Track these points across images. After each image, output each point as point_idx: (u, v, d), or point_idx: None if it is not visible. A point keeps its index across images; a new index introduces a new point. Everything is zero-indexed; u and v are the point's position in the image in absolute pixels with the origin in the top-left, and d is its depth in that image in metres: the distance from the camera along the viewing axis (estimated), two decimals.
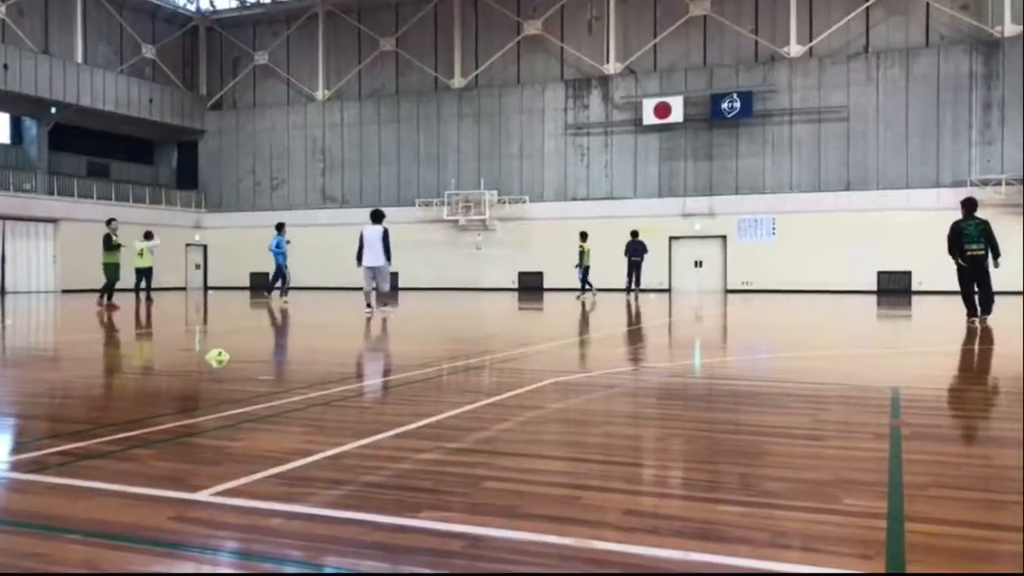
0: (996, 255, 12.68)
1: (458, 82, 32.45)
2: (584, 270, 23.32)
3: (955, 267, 12.71)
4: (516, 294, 27.99)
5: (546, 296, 26.06)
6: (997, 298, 13.17)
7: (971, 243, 12.61)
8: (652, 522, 2.73)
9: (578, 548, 2.44)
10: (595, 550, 2.42)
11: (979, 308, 12.55)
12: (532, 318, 16.08)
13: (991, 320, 12.36)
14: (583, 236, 23.82)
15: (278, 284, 20.56)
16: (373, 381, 6.23)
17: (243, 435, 4.17)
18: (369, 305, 14.56)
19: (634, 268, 23.94)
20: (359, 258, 14.48)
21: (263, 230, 34.54)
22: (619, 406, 5.28)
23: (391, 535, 2.58)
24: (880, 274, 27.00)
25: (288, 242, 20.69)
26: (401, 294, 27.86)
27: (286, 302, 19.34)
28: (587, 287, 23.41)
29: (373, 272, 14.43)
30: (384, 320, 13.29)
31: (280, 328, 13.09)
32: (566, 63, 31.25)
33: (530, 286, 30.88)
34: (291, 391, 5.62)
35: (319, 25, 34.55)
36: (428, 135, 33.00)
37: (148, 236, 21.38)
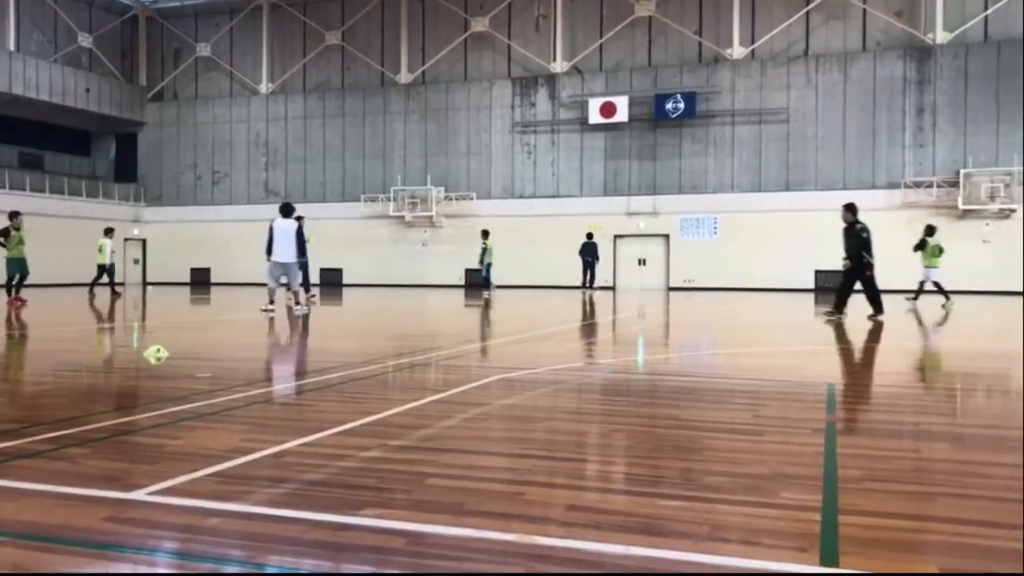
0: (869, 253, 13.11)
1: (405, 78, 32.26)
2: (487, 267, 24.32)
3: (855, 270, 13.05)
4: (463, 291, 27.94)
5: (493, 294, 26.04)
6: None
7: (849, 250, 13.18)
8: (595, 517, 2.75)
9: (521, 544, 2.45)
10: (538, 546, 2.44)
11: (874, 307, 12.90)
12: (478, 315, 16.08)
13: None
14: (484, 234, 24.83)
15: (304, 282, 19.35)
16: (317, 378, 6.16)
17: (182, 433, 4.09)
18: (272, 302, 13.74)
19: (588, 267, 25.63)
20: (268, 252, 13.77)
21: (205, 225, 34.04)
22: (564, 402, 5.31)
23: (333, 533, 2.55)
24: (817, 272, 27.62)
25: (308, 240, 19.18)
26: (346, 290, 27.61)
27: (310, 302, 18.12)
28: (487, 284, 24.26)
29: (283, 268, 13.84)
30: (300, 318, 12.90)
31: (222, 325, 12.86)
32: (513, 61, 31.29)
33: (477, 283, 30.84)
34: (232, 388, 5.53)
35: (263, 17, 34.01)
36: (374, 130, 32.74)
37: (107, 232, 21.46)
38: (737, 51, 28.45)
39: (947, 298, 17.59)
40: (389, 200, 31.90)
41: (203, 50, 35.09)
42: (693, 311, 17.14)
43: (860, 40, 27.68)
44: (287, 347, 9.33)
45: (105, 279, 21.49)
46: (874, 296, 12.96)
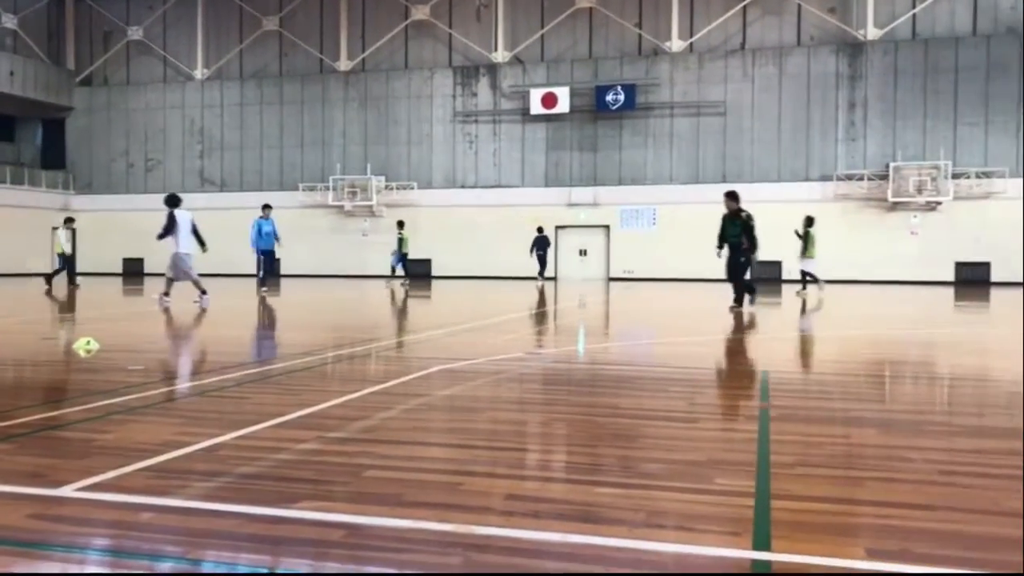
0: (753, 248, 13.23)
1: (344, 65, 31.85)
2: (402, 257, 24.56)
3: (744, 260, 13.15)
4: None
5: (434, 284, 25.98)
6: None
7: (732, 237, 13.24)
8: (534, 506, 2.77)
9: (460, 534, 2.45)
10: (477, 535, 2.44)
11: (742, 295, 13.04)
12: (420, 305, 16.01)
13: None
14: (400, 225, 25.07)
15: (260, 274, 18.81)
16: (253, 370, 6.06)
17: (112, 427, 3.99)
18: (167, 294, 13.29)
19: (540, 260, 26.73)
20: (167, 236, 13.32)
21: (137, 213, 33.12)
22: (504, 392, 5.32)
23: (269, 526, 2.52)
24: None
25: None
26: (283, 281, 27.22)
27: (266, 291, 17.81)
28: (405, 274, 24.54)
29: (190, 259, 13.49)
30: (203, 310, 12.49)
31: (155, 316, 12.56)
32: (454, 50, 31.14)
33: (418, 273, 30.71)
34: (166, 381, 5.41)
35: (198, 1, 33.19)
36: (313, 118, 32.28)
37: (67, 222, 21.17)
38: (676, 44, 28.78)
39: (804, 287, 19.50)
40: (328, 189, 31.50)
41: (135, 33, 34.10)
42: (632, 301, 17.34)
43: (795, 35, 28.24)
44: (223, 339, 9.16)
45: (60, 268, 21.12)
46: (741, 285, 13.06)
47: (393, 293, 19.49)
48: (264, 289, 18.04)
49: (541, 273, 26.79)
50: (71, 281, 20.83)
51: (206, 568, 2.24)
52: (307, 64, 32.53)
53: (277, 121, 32.64)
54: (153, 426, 4.04)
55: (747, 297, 13.05)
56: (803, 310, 14.11)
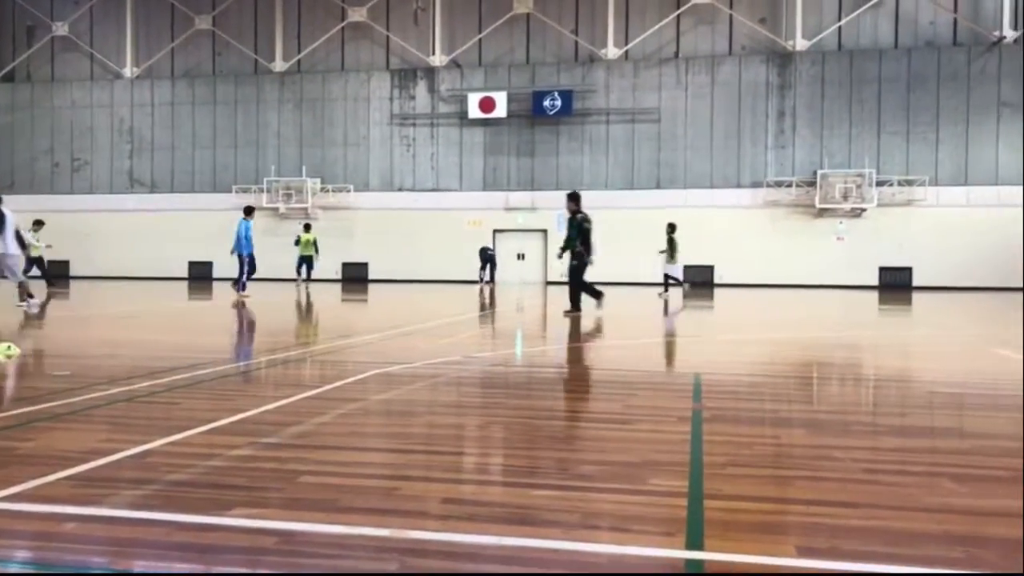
0: (588, 251, 13.19)
1: (279, 66, 31.38)
2: (305, 259, 24.71)
3: (576, 263, 13.12)
4: (340, 285, 27.47)
5: (371, 287, 25.77)
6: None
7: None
8: (470, 509, 2.77)
9: (396, 539, 2.44)
10: (412, 540, 2.43)
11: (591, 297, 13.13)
12: (356, 309, 15.86)
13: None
14: (306, 228, 25.43)
15: (244, 277, 18.42)
16: (184, 375, 5.92)
17: (34, 435, 3.85)
18: (30, 295, 12.54)
19: (488, 263, 27.94)
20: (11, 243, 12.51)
21: (63, 215, 32.05)
22: (441, 396, 5.31)
23: (200, 534, 2.47)
24: (686, 268, 28.61)
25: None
26: (216, 284, 26.67)
27: (247, 296, 17.50)
28: (305, 277, 24.67)
29: (16, 260, 12.84)
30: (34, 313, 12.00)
31: (81, 320, 12.18)
32: (392, 52, 30.96)
33: (354, 277, 30.43)
34: (91, 387, 5.25)
35: None
36: (247, 119, 31.71)
37: (36, 224, 21.07)
38: (612, 51, 29.11)
39: (667, 290, 20.96)
40: (263, 191, 30.98)
41: (60, 29, 33.03)
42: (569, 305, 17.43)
43: (727, 45, 28.84)
44: (153, 344, 8.93)
45: (36, 272, 20.60)
46: (576, 290, 13.00)
47: (301, 295, 19.27)
48: (245, 293, 17.92)
49: (490, 278, 27.96)
50: (49, 283, 20.68)
51: (134, 574, 2.18)
52: (241, 64, 31.96)
53: (210, 121, 31.99)
54: (78, 433, 3.92)
55: (595, 301, 13.14)
56: (665, 311, 14.52)
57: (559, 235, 29.56)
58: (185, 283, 28.37)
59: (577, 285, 13.12)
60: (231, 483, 3.04)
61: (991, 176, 26.93)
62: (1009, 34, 26.63)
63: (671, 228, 20.52)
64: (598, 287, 13.52)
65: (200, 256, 31.31)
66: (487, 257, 28.25)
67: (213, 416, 4.28)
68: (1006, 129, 26.81)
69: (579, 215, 13.00)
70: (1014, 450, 3.87)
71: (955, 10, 27.22)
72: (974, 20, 27.07)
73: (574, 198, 13.17)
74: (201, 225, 31.10)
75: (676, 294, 20.91)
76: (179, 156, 32.22)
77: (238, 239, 18.34)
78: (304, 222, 26.91)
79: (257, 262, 19.09)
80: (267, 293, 18.67)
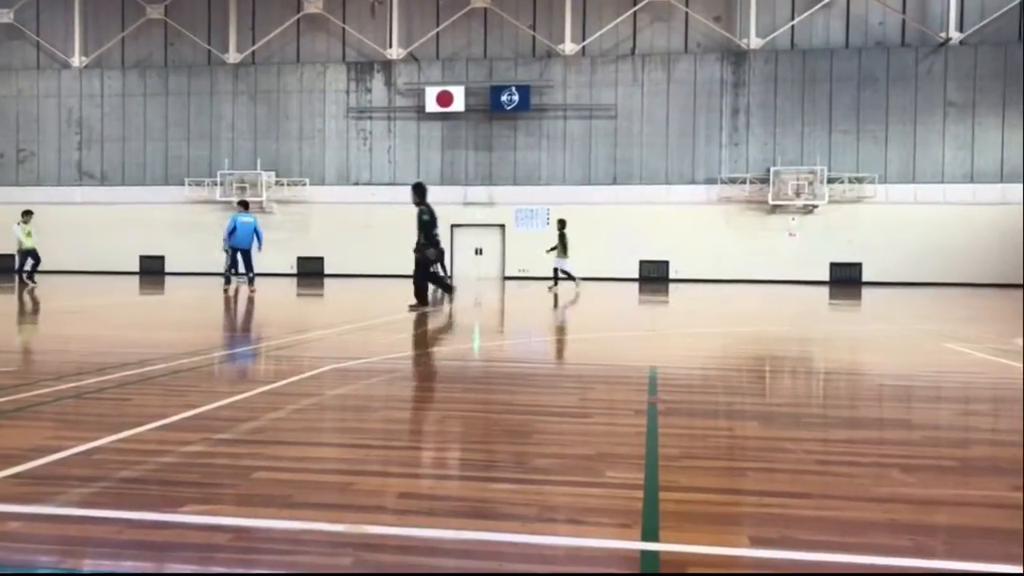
0: (429, 244, 12.93)
1: (233, 57, 30.90)
2: (29, 252, 23.02)
3: (418, 256, 12.83)
4: (295, 280, 27.19)
5: (327, 282, 25.53)
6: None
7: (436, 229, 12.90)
8: (428, 504, 2.76)
9: (352, 534, 2.42)
10: (369, 535, 2.42)
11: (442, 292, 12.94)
12: (311, 304, 15.71)
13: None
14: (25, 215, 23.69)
15: (251, 273, 17.99)
16: (136, 370, 5.80)
17: None
18: None
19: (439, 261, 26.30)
20: None
21: (8, 207, 31.21)
22: (398, 391, 5.28)
23: (151, 531, 2.43)
24: (642, 263, 28.90)
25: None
26: (168, 279, 26.23)
27: (227, 289, 17.28)
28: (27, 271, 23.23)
29: None
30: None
31: (27, 315, 11.89)
32: (348, 45, 30.67)
33: (310, 271, 30.14)
34: (37, 383, 5.13)
35: None
36: (200, 111, 31.19)
37: (26, 215, 20.78)
38: (569, 47, 29.19)
39: (556, 283, 21.50)
40: (216, 184, 30.51)
41: (4, 16, 32.12)
42: (527, 300, 17.49)
43: (683, 42, 29.10)
44: (102, 339, 8.75)
45: (30, 263, 20.48)
46: (421, 283, 12.83)
47: (231, 294, 19.05)
48: (253, 288, 17.70)
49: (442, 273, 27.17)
50: (30, 277, 20.32)
51: (83, 573, 2.14)
52: (194, 55, 31.41)
53: (162, 113, 31.40)
54: (23, 430, 3.82)
55: (446, 296, 13.10)
56: (555, 304, 14.75)
57: (516, 231, 29.76)
58: (136, 277, 27.84)
59: (423, 278, 12.86)
60: (183, 480, 2.99)
61: (937, 174, 27.59)
62: (955, 36, 27.28)
63: (561, 224, 21.07)
64: (449, 281, 13.44)
65: (152, 250, 30.79)
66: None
67: (165, 412, 4.21)
68: (952, 128, 27.48)
69: (421, 207, 12.65)
70: (958, 440, 3.97)
71: (903, 11, 27.79)
72: (921, 21, 27.68)
73: (417, 190, 12.81)
74: (152, 218, 30.57)
75: (569, 288, 21.14)
76: (130, 148, 31.58)
77: (257, 236, 17.89)
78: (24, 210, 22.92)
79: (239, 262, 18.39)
80: (217, 288, 18.38)
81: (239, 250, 17.79)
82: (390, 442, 3.79)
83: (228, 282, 18.07)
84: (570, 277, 21.41)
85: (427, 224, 12.65)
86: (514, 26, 29.58)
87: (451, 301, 13.02)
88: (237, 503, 2.72)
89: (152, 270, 30.42)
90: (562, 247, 21.11)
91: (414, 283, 13.01)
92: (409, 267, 13.29)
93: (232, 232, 17.63)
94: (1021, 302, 17.01)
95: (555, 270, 21.72)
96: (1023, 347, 8.09)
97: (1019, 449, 3.66)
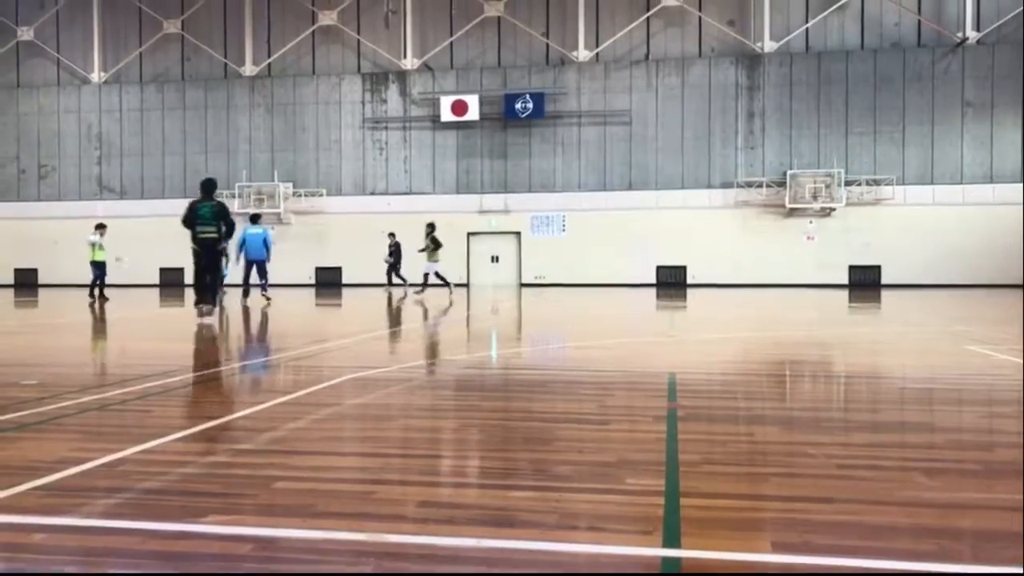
0: (229, 236, 12.56)
1: (249, 70, 31.16)
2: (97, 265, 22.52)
3: (191, 250, 12.48)
4: (313, 290, 27.31)
5: (345, 292, 25.63)
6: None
7: (204, 224, 12.27)
8: (448, 512, 2.76)
9: (373, 543, 2.43)
10: (390, 543, 2.42)
11: (205, 293, 12.27)
12: (330, 314, 15.77)
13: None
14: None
15: (264, 281, 18.34)
16: (157, 382, 5.85)
17: (3, 445, 3.79)
18: None
19: (392, 268, 24.02)
20: None
21: (30, 222, 31.64)
22: (417, 399, 5.29)
23: (173, 542, 2.44)
24: (659, 268, 28.82)
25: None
26: (187, 291, 26.39)
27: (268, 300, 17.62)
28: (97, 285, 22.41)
29: None
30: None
31: (51, 329, 12.01)
32: (363, 56, 30.86)
33: (328, 282, 30.27)
34: (62, 396, 5.18)
35: (93, 1, 31.93)
36: (217, 124, 31.46)
37: (99, 228, 20.84)
38: (582, 54, 29.22)
39: (423, 290, 20.38)
40: (234, 196, 30.73)
41: (25, 34, 32.58)
42: (544, 307, 17.48)
43: (696, 46, 29.05)
44: (124, 352, 8.83)
45: (94, 276, 20.66)
46: (212, 285, 12.31)
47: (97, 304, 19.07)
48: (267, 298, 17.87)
49: (395, 280, 23.86)
50: (91, 292, 20.45)
51: None
52: (211, 68, 31.70)
53: (180, 127, 31.69)
54: (48, 443, 3.86)
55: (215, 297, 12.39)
56: (425, 314, 14.30)
57: (532, 238, 29.79)
58: (156, 290, 28.08)
59: (212, 278, 12.38)
60: (205, 490, 3.01)
61: (956, 175, 27.36)
62: (971, 35, 27.07)
63: (430, 227, 20.58)
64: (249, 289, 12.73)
65: (171, 263, 31.01)
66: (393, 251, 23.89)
67: (187, 423, 4.24)
68: (970, 128, 27.26)
69: (214, 203, 12.40)
70: (982, 443, 3.93)
71: (919, 12, 27.63)
72: (938, 21, 27.49)
73: (206, 186, 12.51)
74: (172, 231, 30.75)
75: (444, 294, 20.62)
76: (149, 162, 31.89)
77: (266, 247, 18.05)
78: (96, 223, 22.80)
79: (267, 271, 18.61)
80: (235, 299, 18.49)
81: (252, 262, 17.88)
82: (409, 451, 3.80)
83: (246, 294, 18.20)
84: (445, 283, 20.66)
85: (218, 221, 12.15)
86: (527, 34, 29.65)
87: (209, 312, 12.12)
88: (259, 513, 2.74)
89: (172, 282, 30.65)
90: (433, 250, 20.47)
91: (196, 281, 12.29)
92: (416, 275, 13.11)
93: (242, 245, 17.80)
94: (1022, 304, 16.81)
95: (425, 275, 20.96)
96: (1023, 349, 8.02)
97: (1022, 451, 3.62)
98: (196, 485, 3.09)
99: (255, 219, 19.03)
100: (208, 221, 12.15)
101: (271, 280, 18.69)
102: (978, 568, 2.25)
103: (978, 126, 27.17)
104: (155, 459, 3.52)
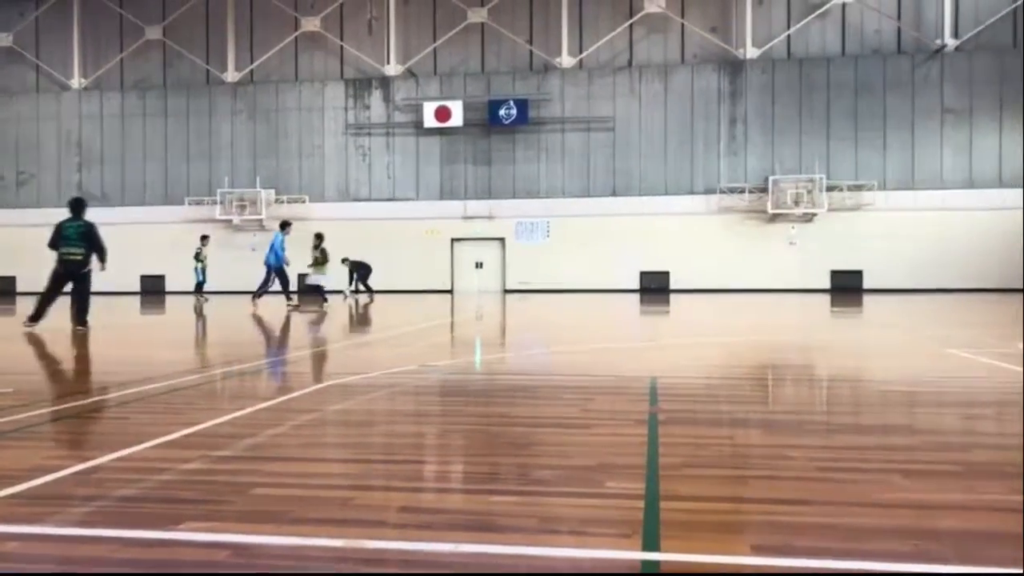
0: (102, 258, 11.75)
1: (231, 76, 31.04)
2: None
3: (52, 271, 11.82)
4: (296, 296, 27.16)
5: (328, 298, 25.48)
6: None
7: (69, 246, 11.54)
8: (427, 517, 2.74)
9: (352, 548, 2.41)
10: (369, 549, 2.40)
11: (75, 316, 11.60)
12: (312, 320, 15.68)
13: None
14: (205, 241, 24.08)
15: (271, 287, 18.45)
16: (136, 389, 5.79)
17: None
18: None
19: (355, 274, 24.85)
20: None
21: (9, 229, 31.32)
22: (399, 405, 5.27)
23: (148, 550, 2.41)
24: (642, 274, 28.91)
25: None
26: (169, 298, 26.23)
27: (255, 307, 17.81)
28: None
29: None
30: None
31: (27, 336, 11.88)
32: (346, 62, 30.81)
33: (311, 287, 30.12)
34: (37, 403, 5.12)
35: (73, 7, 31.74)
36: (199, 130, 31.31)
37: (204, 239, 21.97)
38: (566, 60, 29.31)
39: (325, 303, 19.51)
40: (216, 203, 30.58)
41: (3, 40, 32.32)
42: (528, 312, 17.48)
43: (679, 53, 29.21)
44: (104, 358, 8.74)
45: (197, 283, 21.46)
46: (84, 307, 11.55)
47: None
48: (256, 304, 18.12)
49: (360, 288, 24.96)
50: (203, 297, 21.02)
51: None
52: (193, 75, 31.56)
53: (161, 133, 31.52)
54: (22, 451, 3.81)
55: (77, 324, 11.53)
56: (314, 321, 14.04)
57: (516, 244, 29.80)
58: (137, 297, 27.87)
59: (84, 296, 11.65)
60: (183, 497, 2.98)
61: (936, 180, 27.62)
62: (950, 42, 27.37)
63: (318, 238, 19.99)
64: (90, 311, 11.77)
65: (152, 270, 30.82)
66: (354, 266, 24.83)
67: (165, 430, 4.19)
68: (949, 134, 27.54)
69: (81, 219, 11.75)
70: (961, 445, 3.95)
71: (899, 19, 27.90)
72: (917, 29, 27.78)
73: (75, 207, 11.89)
74: (153, 238, 30.60)
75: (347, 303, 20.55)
76: (130, 168, 31.69)
77: (272, 250, 18.27)
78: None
79: (287, 276, 18.69)
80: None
81: (278, 268, 18.31)
82: (390, 456, 3.78)
83: (257, 297, 18.69)
84: (322, 295, 19.65)
85: (93, 236, 11.52)
86: (511, 40, 29.71)
87: (83, 330, 11.34)
88: (236, 519, 2.71)
89: (153, 290, 30.44)
90: (320, 261, 19.91)
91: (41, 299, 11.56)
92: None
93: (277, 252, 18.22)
94: (1022, 306, 16.98)
95: (310, 287, 20.37)
96: (1023, 351, 8.07)
97: (1022, 453, 3.64)
98: (174, 492, 3.06)
99: (283, 226, 18.88)
100: (74, 242, 11.42)
101: (272, 288, 18.70)
102: (956, 568, 2.26)
103: (957, 132, 27.46)
104: (132, 466, 3.47)
